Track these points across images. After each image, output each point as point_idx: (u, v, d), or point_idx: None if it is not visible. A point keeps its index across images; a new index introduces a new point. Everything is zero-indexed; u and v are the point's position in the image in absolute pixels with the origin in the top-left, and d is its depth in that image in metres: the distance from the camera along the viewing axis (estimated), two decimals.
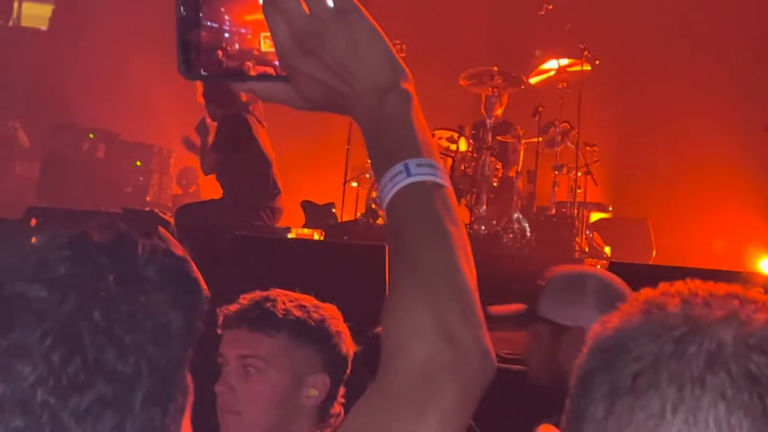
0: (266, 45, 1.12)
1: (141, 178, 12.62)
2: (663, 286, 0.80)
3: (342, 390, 2.27)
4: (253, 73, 1.13)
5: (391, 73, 1.11)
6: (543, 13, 8.90)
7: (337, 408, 2.25)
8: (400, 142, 1.08)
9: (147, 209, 9.10)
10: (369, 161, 1.16)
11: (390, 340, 1.01)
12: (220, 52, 1.12)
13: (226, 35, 1.13)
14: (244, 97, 6.89)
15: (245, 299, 2.22)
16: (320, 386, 2.19)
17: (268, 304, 2.17)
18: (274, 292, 2.25)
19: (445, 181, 1.08)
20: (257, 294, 2.23)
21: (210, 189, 8.78)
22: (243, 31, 1.13)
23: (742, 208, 9.92)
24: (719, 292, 0.77)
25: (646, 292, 0.81)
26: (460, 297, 1.02)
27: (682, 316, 0.74)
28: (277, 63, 1.12)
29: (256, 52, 1.13)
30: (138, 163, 12.56)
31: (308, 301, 2.24)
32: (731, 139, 9.42)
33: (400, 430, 0.94)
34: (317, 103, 1.13)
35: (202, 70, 1.13)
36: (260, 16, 1.09)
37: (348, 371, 2.27)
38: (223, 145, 7.29)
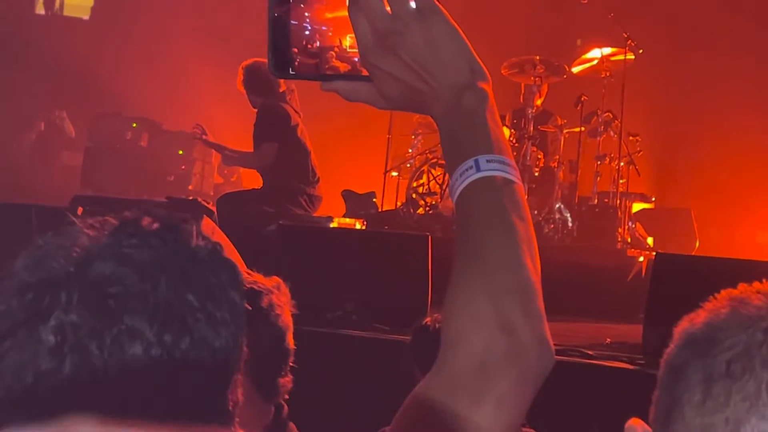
0: (348, 43, 1.15)
1: (183, 167, 12.73)
2: (742, 285, 0.85)
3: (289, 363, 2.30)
4: (335, 72, 1.16)
5: (469, 72, 1.13)
6: (586, 1, 8.84)
7: (279, 379, 2.27)
8: (473, 139, 1.11)
9: (190, 198, 9.17)
10: (444, 158, 1.19)
11: (450, 329, 1.04)
12: (306, 51, 1.15)
13: (311, 33, 1.15)
14: (282, 87, 6.95)
15: None
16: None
17: None
18: None
19: (515, 177, 1.10)
20: None
21: (251, 178, 8.84)
22: (326, 29, 1.16)
23: None
24: None
25: (728, 291, 0.85)
26: (521, 290, 1.05)
27: (767, 308, 0.80)
28: (357, 60, 1.14)
29: (338, 50, 1.16)
30: (180, 152, 12.66)
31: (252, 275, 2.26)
32: None
33: (456, 415, 0.97)
34: (397, 101, 1.15)
35: (290, 69, 1.15)
36: (344, 14, 1.12)
37: (286, 344, 2.29)
38: (261, 134, 7.34)
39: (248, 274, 2.30)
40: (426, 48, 1.10)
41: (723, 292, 0.85)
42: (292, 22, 1.15)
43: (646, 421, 0.86)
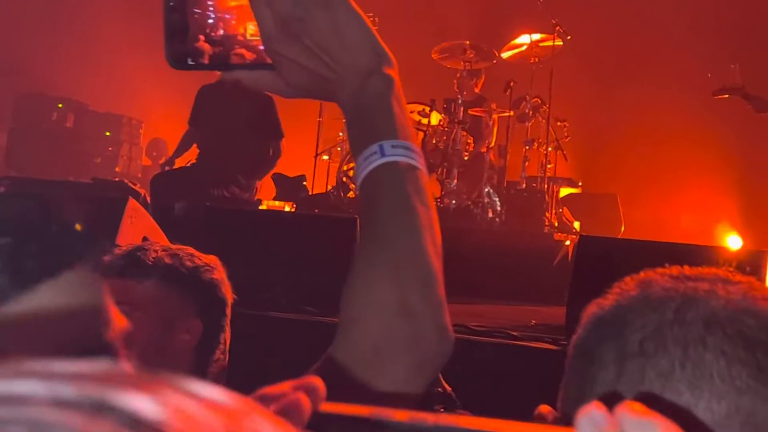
0: (251, 31, 1.13)
1: (110, 149, 12.54)
2: (648, 270, 0.88)
3: (226, 337, 2.31)
4: (239, 61, 1.14)
5: (374, 56, 1.12)
6: None
7: (218, 355, 2.27)
8: (378, 125, 1.10)
9: (116, 179, 9.04)
10: (349, 143, 1.18)
11: (349, 311, 1.04)
12: (205, 40, 1.13)
13: (212, 22, 1.13)
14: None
15: (119, 250, 2.24)
16: (193, 331, 2.21)
17: (139, 253, 2.20)
18: (149, 242, 2.28)
19: (419, 163, 1.10)
20: (132, 244, 2.26)
21: (181, 161, 8.74)
22: (228, 17, 1.13)
23: (711, 186, 10.02)
24: (700, 271, 0.85)
25: (635, 275, 0.87)
26: (422, 275, 1.05)
27: (675, 289, 0.82)
28: (262, 49, 1.12)
29: (241, 39, 1.13)
30: (107, 133, 12.47)
31: (184, 250, 2.26)
32: (700, 119, 9.49)
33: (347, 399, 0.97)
34: (303, 89, 1.14)
35: (189, 60, 1.13)
36: (245, 1, 1.10)
37: (227, 319, 2.31)
38: (196, 116, 7.30)
39: (191, 253, 2.30)
40: (330, 33, 1.09)
41: (628, 277, 0.87)
42: (195, 10, 1.12)
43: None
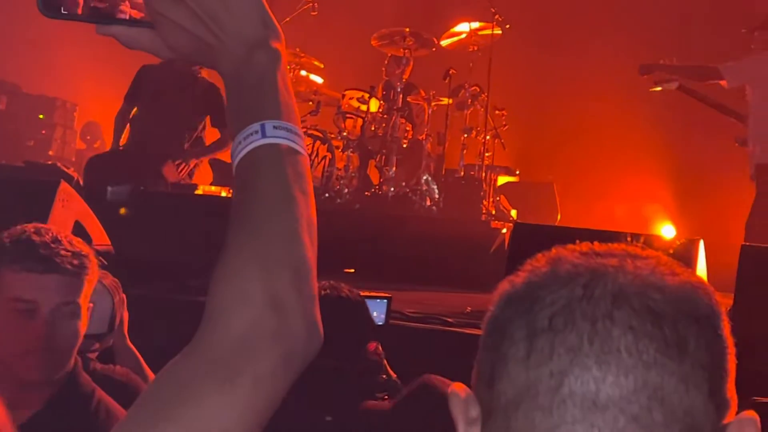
0: None
1: (44, 132, 12.31)
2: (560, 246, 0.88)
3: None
4: (118, 16, 1.08)
5: (262, 28, 1.09)
6: None
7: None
8: (261, 102, 1.06)
9: (49, 163, 8.87)
10: (227, 116, 1.13)
11: (213, 302, 0.98)
12: None
13: None
14: None
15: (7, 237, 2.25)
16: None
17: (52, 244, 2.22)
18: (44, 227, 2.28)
19: (301, 148, 1.06)
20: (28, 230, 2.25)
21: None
22: None
23: (646, 176, 10.16)
24: (610, 247, 0.86)
25: (547, 252, 0.88)
26: (295, 267, 1.00)
27: (584, 266, 0.82)
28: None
29: None
30: (41, 116, 12.23)
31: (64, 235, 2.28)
32: (636, 110, 9.62)
33: (206, 394, 0.92)
34: (183, 53, 1.10)
35: (62, 8, 1.07)
36: None
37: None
38: (133, 95, 7.19)
39: (78, 241, 2.28)
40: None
41: (540, 254, 0.87)
42: None
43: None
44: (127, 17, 1.08)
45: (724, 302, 0.84)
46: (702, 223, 9.32)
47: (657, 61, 6.97)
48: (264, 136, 1.03)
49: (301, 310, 0.98)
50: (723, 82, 6.66)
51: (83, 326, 2.27)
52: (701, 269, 4.03)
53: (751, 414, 0.80)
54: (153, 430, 0.90)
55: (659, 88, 7.01)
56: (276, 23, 1.10)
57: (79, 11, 1.07)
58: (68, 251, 2.22)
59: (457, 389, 0.86)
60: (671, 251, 3.99)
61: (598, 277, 0.81)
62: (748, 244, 4.62)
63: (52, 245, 2.21)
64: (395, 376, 3.05)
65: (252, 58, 1.07)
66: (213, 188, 7.87)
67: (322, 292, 3.03)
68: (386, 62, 8.53)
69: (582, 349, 0.77)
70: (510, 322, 0.82)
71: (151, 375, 2.79)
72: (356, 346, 2.86)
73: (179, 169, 6.99)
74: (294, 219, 1.02)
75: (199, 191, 7.25)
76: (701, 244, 4.06)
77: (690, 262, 3.87)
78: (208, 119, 7.28)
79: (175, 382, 0.94)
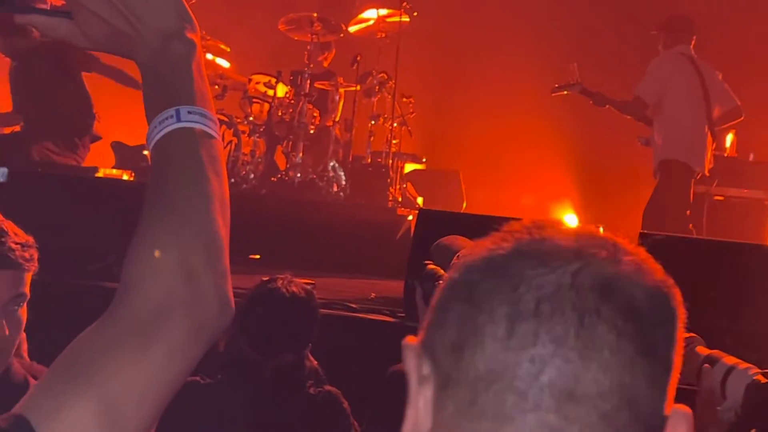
0: None
1: None
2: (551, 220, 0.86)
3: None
4: (38, 5, 1.10)
5: (177, 19, 1.13)
6: None
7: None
8: (176, 89, 1.11)
9: None
10: (144, 104, 1.17)
11: (130, 273, 1.02)
12: None
13: None
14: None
15: None
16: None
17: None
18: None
19: (214, 132, 1.11)
20: None
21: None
22: None
23: (551, 166, 10.32)
24: (599, 235, 0.86)
25: (535, 221, 0.85)
26: (208, 243, 1.05)
27: (573, 250, 0.81)
28: None
29: None
30: None
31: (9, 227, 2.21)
32: (542, 101, 9.74)
33: (123, 359, 0.96)
34: (100, 42, 1.14)
35: None
36: None
37: None
38: (39, 78, 7.01)
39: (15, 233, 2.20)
40: None
41: (516, 224, 0.85)
42: None
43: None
44: (48, 7, 1.09)
45: None
46: (603, 213, 9.53)
47: (564, 63, 7.14)
48: (179, 120, 1.08)
49: (213, 283, 1.04)
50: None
51: (24, 315, 2.24)
52: None
53: (682, 408, 0.81)
54: (74, 393, 0.93)
55: (565, 92, 7.16)
56: (191, 14, 1.15)
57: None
58: (17, 244, 2.16)
59: (411, 341, 0.85)
60: None
61: (587, 265, 0.80)
62: (645, 231, 4.73)
63: (2, 239, 2.14)
64: (316, 363, 3.09)
65: (168, 48, 1.11)
66: (114, 171, 7.72)
67: (276, 286, 3.07)
68: (308, 48, 8.45)
69: (567, 342, 0.77)
70: (490, 295, 0.80)
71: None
72: (309, 339, 3.02)
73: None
74: (208, 198, 1.07)
75: (99, 174, 7.09)
76: (600, 230, 4.15)
77: None
78: None
79: (96, 347, 0.97)
